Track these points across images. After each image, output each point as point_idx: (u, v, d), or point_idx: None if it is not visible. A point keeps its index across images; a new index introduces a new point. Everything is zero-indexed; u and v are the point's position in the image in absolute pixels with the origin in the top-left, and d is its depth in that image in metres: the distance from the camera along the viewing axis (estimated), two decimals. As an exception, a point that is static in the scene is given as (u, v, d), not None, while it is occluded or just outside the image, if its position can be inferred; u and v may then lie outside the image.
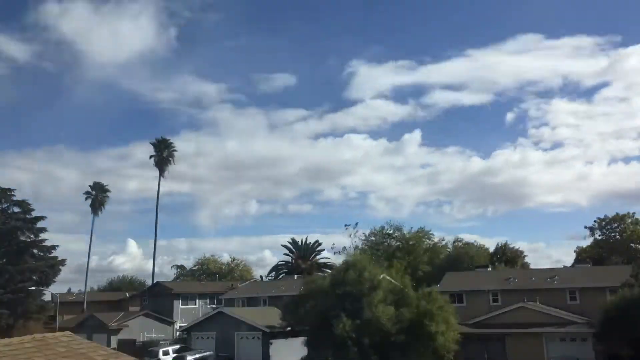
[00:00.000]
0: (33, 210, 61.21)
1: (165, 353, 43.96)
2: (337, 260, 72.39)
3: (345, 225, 68.24)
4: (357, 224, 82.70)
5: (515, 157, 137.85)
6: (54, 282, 61.82)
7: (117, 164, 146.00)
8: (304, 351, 37.18)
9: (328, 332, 33.35)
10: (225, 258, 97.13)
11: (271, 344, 42.47)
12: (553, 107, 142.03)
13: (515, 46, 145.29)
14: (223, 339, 45.15)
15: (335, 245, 78.50)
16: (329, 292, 34.99)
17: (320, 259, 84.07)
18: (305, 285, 38.68)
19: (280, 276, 79.96)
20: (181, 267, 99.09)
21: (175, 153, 79.96)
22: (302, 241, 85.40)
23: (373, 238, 71.70)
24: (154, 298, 65.10)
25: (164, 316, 61.17)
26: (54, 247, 61.38)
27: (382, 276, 37.44)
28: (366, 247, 68.57)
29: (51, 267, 60.04)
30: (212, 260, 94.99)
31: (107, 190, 75.97)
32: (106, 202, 75.73)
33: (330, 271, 68.29)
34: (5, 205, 60.72)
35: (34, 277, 58.41)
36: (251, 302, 58.02)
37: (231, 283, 72.37)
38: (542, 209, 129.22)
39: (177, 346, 46.06)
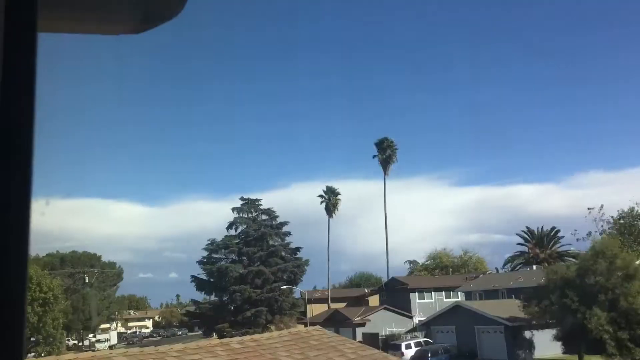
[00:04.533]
0: (277, 216, 68.05)
1: (408, 347, 44.96)
2: (581, 247, 66.33)
3: (589, 208, 62.11)
4: (602, 206, 74.67)
5: None
6: (301, 280, 67.79)
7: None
8: (552, 345, 35.01)
9: (578, 326, 30.91)
10: (457, 251, 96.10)
11: (523, 337, 40.77)
12: None
13: None
14: (463, 332, 44.60)
15: (577, 231, 71.90)
16: (576, 283, 32.43)
17: (560, 247, 78.07)
18: (547, 275, 36.35)
19: (518, 267, 76.24)
20: (414, 262, 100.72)
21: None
22: (538, 229, 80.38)
23: (622, 221, 63.96)
24: (391, 293, 67.06)
25: (402, 310, 62.65)
26: (298, 249, 67.49)
27: (638, 262, 33.55)
28: (615, 231, 61.48)
29: (298, 267, 65.92)
30: (444, 254, 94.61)
31: (338, 193, 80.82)
32: (338, 204, 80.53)
33: (573, 259, 62.89)
34: (255, 214, 68.34)
35: (284, 277, 64.70)
36: (488, 295, 56.31)
37: (466, 276, 71.20)
38: None
39: (420, 340, 46.71)
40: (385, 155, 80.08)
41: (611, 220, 64.32)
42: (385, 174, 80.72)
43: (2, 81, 0.91)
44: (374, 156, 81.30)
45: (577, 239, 65.26)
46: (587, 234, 63.82)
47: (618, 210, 66.16)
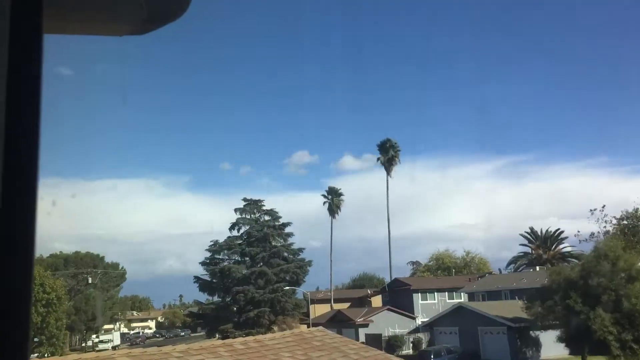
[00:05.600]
0: (280, 217, 68.09)
1: (437, 355, 43.26)
2: (584, 248, 66.20)
3: (591, 209, 61.93)
4: (604, 206, 74.58)
5: None
6: (304, 281, 67.84)
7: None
8: (555, 346, 35.01)
9: (582, 327, 30.90)
10: (460, 252, 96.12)
11: (527, 338, 40.76)
12: None
13: None
14: (466, 333, 44.55)
15: (580, 233, 71.90)
16: (579, 284, 32.41)
17: (564, 248, 78.08)
18: (550, 276, 36.37)
19: (521, 268, 76.22)
20: (416, 262, 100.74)
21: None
22: (541, 230, 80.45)
23: (625, 222, 63.79)
24: (394, 294, 67.07)
25: (404, 311, 62.62)
26: (300, 250, 67.57)
27: (640, 264, 33.56)
28: (618, 232, 61.32)
29: (300, 268, 65.96)
30: (447, 254, 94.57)
31: (341, 194, 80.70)
32: (341, 205, 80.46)
33: (576, 261, 62.81)
34: (258, 215, 68.39)
35: (287, 278, 64.75)
36: (491, 295, 56.29)
37: (469, 277, 71.18)
38: None
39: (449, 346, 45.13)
40: (388, 156, 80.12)
41: (614, 221, 64.18)
42: (388, 175, 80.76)
43: (8, 82, 0.91)
44: (378, 159, 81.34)
45: (580, 240, 65.10)
46: (590, 235, 63.71)
47: (621, 211, 66.03)
